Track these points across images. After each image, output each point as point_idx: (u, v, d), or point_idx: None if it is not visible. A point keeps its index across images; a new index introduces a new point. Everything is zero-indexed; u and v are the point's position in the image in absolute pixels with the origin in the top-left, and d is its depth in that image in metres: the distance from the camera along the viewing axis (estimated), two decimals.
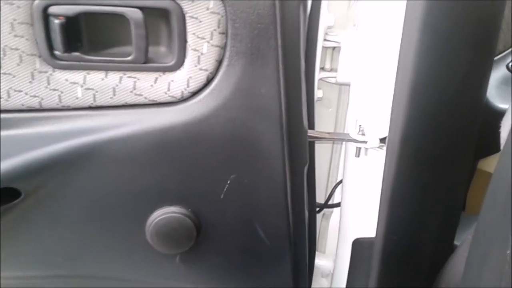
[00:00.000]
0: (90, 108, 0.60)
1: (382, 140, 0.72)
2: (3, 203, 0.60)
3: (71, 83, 0.58)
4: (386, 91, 0.67)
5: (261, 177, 0.68)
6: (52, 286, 0.73)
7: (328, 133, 0.77)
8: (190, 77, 0.60)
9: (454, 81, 0.62)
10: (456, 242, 0.76)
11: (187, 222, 0.67)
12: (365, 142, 0.73)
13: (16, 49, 0.55)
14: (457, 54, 0.60)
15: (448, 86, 0.62)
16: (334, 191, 0.90)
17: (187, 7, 0.56)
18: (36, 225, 0.65)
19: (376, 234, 0.72)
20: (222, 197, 0.67)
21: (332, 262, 0.92)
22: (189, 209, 0.67)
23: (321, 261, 0.94)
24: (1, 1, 0.52)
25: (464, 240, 0.66)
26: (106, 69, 0.58)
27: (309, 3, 0.67)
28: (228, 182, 0.66)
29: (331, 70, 0.85)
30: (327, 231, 0.98)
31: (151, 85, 0.60)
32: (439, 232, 0.75)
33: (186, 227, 0.67)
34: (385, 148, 0.70)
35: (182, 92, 0.60)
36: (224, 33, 0.57)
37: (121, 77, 0.59)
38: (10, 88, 0.57)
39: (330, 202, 0.93)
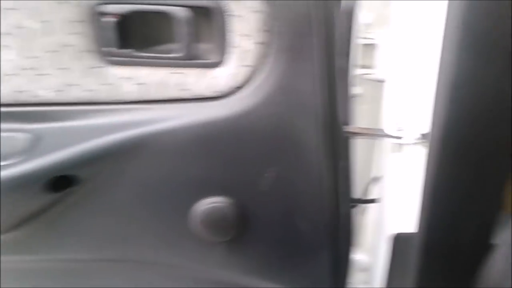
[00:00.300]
0: (139, 102, 0.63)
1: (421, 136, 0.73)
2: (60, 190, 0.64)
3: (122, 78, 0.62)
4: (424, 88, 0.67)
5: (299, 171, 0.70)
6: (99, 270, 0.78)
7: (365, 128, 0.78)
8: (234, 73, 0.62)
9: (495, 80, 0.62)
10: (493, 241, 0.76)
11: (230, 212, 0.69)
12: (402, 138, 0.74)
13: (72, 45, 0.59)
14: (498, 53, 0.61)
15: (489, 85, 0.62)
16: (370, 186, 0.91)
17: (232, 6, 0.58)
18: (89, 211, 0.69)
19: (417, 230, 0.73)
20: (263, 189, 0.70)
21: (368, 256, 0.93)
22: (232, 200, 0.70)
23: (357, 255, 0.95)
24: (59, 0, 0.57)
25: (504, 239, 0.66)
26: (155, 65, 0.62)
27: (347, 1, 0.69)
28: (268, 175, 0.68)
29: (368, 67, 0.86)
30: (364, 225, 0.99)
31: (196, 81, 0.63)
32: (478, 230, 0.75)
33: (229, 217, 0.70)
34: (422, 144, 0.71)
35: (226, 87, 0.63)
36: (268, 31, 0.60)
37: (167, 73, 0.62)
38: (65, 82, 0.61)
39: (365, 197, 0.94)
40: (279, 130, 0.66)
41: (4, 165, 0.60)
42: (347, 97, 0.75)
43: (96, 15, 0.57)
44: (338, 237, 0.78)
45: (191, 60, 0.61)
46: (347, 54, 0.75)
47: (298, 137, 0.67)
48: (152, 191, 0.68)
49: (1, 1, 0.56)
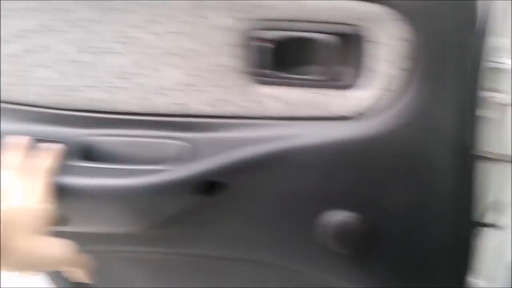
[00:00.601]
0: (283, 118, 0.69)
1: None
2: (208, 194, 0.72)
3: (271, 96, 0.68)
4: None
5: (428, 193, 0.72)
6: (227, 267, 0.85)
7: (495, 153, 0.78)
8: (373, 96, 0.66)
9: None
10: None
11: (358, 227, 0.73)
12: None
13: (228, 66, 0.66)
14: None
15: None
16: (491, 211, 0.90)
17: (380, 34, 0.62)
18: (228, 214, 0.76)
19: None
20: (391, 207, 0.72)
21: (486, 283, 0.91)
22: (361, 216, 0.73)
23: (475, 280, 0.94)
24: (222, 28, 0.64)
25: None
26: (298, 85, 0.67)
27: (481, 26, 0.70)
28: (398, 193, 0.71)
29: (495, 90, 0.86)
30: (484, 252, 0.97)
31: (336, 101, 0.67)
32: None
33: (357, 232, 0.73)
34: None
35: (364, 109, 0.67)
36: (412, 58, 0.63)
37: (313, 93, 0.67)
38: (219, 98, 0.69)
39: (485, 222, 0.92)
40: (412, 152, 0.69)
41: (164, 169, 0.69)
42: (477, 122, 0.76)
43: (251, 40, 0.64)
44: (459, 261, 0.79)
45: (333, 81, 0.66)
46: (479, 78, 0.76)
47: (430, 159, 0.69)
48: (288, 199, 0.74)
49: (176, 26, 0.64)
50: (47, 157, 0.66)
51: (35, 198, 0.60)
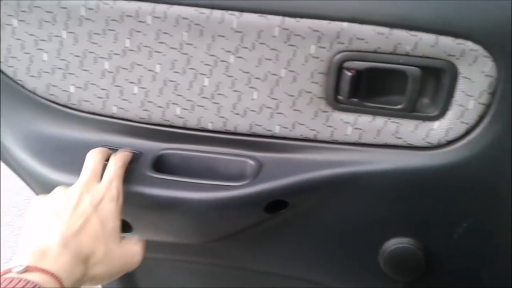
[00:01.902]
0: (355, 144, 0.70)
1: None
2: (272, 211, 0.73)
3: (344, 122, 0.69)
4: None
5: (495, 226, 0.71)
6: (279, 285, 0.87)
7: None
8: (450, 128, 0.66)
9: None
10: None
11: (418, 254, 0.73)
12: None
13: (310, 92, 0.67)
14: None
15: None
16: None
17: (463, 69, 0.62)
18: (290, 232, 0.78)
19: None
20: (454, 238, 0.72)
21: None
22: (422, 243, 0.74)
23: None
24: (306, 55, 0.65)
25: None
26: (376, 114, 0.68)
27: None
28: (465, 225, 0.71)
29: None
30: None
31: (412, 131, 0.67)
32: None
33: (417, 259, 0.74)
34: None
35: (440, 140, 0.67)
36: (492, 93, 0.62)
37: (386, 121, 0.68)
38: (296, 121, 0.70)
39: None
40: (485, 184, 0.68)
41: (235, 186, 0.70)
42: None
43: (337, 69, 0.65)
44: None
45: (411, 112, 0.66)
46: None
47: (502, 192, 0.68)
48: (349, 223, 0.75)
49: (262, 52, 0.65)
50: (122, 164, 0.68)
51: (119, 203, 0.63)
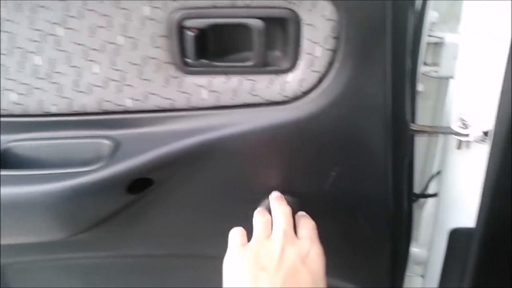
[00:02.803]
0: (213, 108, 0.67)
1: (484, 133, 0.73)
2: (137, 191, 0.69)
3: (198, 86, 0.65)
4: (490, 86, 0.67)
5: (364, 170, 0.72)
6: (164, 265, 0.84)
7: (430, 126, 0.79)
8: (303, 78, 0.64)
9: None
10: None
11: (295, 209, 0.72)
12: (467, 135, 0.74)
13: (154, 58, 0.63)
14: None
15: None
16: (431, 182, 0.92)
17: (304, 15, 0.60)
18: (161, 210, 0.74)
19: (476, 225, 0.74)
20: (328, 187, 0.72)
21: (426, 250, 0.94)
22: (297, 198, 0.73)
23: (414, 249, 0.97)
24: (141, 18, 0.60)
25: None
26: (229, 73, 0.65)
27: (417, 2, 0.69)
28: (334, 174, 0.71)
29: (433, 64, 0.86)
30: (421, 220, 1.00)
31: (267, 86, 0.65)
32: None
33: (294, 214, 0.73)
34: (485, 140, 0.71)
35: (295, 92, 0.65)
36: (337, 38, 0.61)
37: (241, 80, 0.65)
38: (147, 91, 0.65)
39: (425, 192, 0.95)
40: (346, 131, 0.68)
41: (89, 170, 0.65)
42: (413, 96, 0.76)
43: (178, 30, 0.60)
44: (399, 233, 0.80)
45: (263, 67, 0.64)
46: (415, 53, 0.76)
47: (365, 137, 0.68)
48: (222, 191, 0.72)
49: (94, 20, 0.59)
50: None
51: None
